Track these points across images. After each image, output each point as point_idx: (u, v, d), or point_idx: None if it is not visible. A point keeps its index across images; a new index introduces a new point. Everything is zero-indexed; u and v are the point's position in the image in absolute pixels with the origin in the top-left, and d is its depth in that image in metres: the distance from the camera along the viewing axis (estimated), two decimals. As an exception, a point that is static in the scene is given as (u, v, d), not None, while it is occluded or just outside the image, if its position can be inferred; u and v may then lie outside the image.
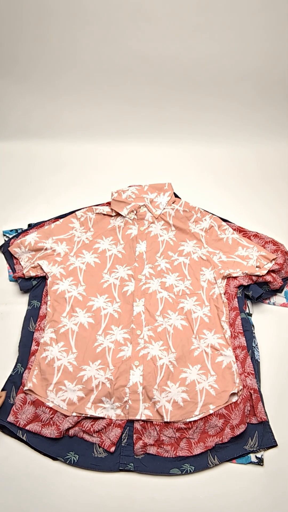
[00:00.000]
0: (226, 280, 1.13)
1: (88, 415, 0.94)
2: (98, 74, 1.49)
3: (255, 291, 1.12)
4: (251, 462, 0.91)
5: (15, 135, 1.58)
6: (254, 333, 1.07)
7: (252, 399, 0.95)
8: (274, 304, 1.16)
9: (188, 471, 0.90)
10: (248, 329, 1.06)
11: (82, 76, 1.49)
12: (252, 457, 0.92)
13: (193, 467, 0.90)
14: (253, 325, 1.09)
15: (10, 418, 0.94)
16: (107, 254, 1.18)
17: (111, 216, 1.25)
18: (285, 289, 1.17)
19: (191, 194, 1.35)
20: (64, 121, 1.58)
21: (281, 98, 1.53)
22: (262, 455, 0.92)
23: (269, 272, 1.12)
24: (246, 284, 1.12)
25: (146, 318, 1.06)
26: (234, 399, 0.95)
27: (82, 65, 1.47)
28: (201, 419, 0.94)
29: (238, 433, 0.91)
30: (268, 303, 1.16)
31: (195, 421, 0.93)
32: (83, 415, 0.94)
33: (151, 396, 0.95)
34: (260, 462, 0.91)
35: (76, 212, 1.24)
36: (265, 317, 1.13)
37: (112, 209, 1.24)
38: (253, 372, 0.99)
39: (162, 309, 1.08)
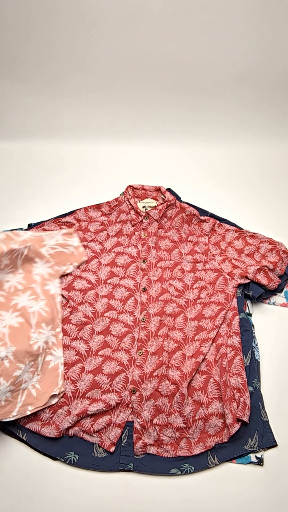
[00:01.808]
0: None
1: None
2: (98, 74, 1.49)
3: (255, 290, 1.12)
4: (251, 462, 0.91)
5: (15, 135, 1.58)
6: (254, 333, 1.07)
7: (235, 399, 0.95)
8: (274, 304, 1.16)
9: (188, 471, 0.90)
10: (248, 329, 1.06)
11: (82, 77, 1.49)
12: (252, 457, 0.92)
13: (193, 467, 0.90)
14: (253, 325, 1.09)
15: None
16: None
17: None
18: (285, 289, 1.17)
19: (191, 194, 1.35)
20: (64, 121, 1.58)
21: (281, 99, 1.53)
22: (262, 455, 0.92)
23: (265, 271, 1.12)
24: (243, 282, 1.12)
25: None
26: (54, 401, 0.95)
27: (82, 66, 1.47)
28: (200, 418, 0.94)
29: (233, 432, 0.91)
30: (268, 303, 1.16)
31: (194, 421, 0.93)
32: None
33: None
34: (260, 462, 0.91)
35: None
36: (265, 317, 1.13)
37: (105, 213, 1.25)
38: (238, 372, 0.98)
39: None
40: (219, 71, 1.46)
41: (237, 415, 0.91)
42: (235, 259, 1.16)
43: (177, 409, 0.94)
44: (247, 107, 1.55)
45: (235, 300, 1.10)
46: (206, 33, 1.38)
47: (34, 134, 1.58)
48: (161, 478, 0.90)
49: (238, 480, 0.90)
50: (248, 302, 1.14)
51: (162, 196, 1.26)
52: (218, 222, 1.23)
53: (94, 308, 1.09)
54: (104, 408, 0.94)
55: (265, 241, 1.19)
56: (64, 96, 1.54)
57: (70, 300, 1.09)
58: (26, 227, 1.29)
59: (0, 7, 1.34)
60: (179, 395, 0.95)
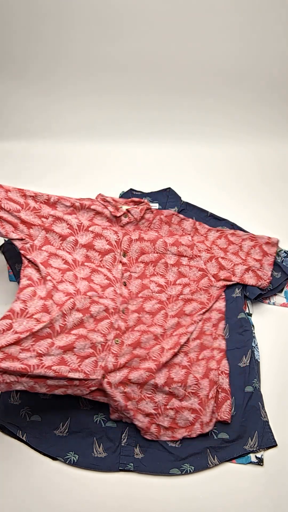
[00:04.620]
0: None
1: None
2: (99, 74, 1.49)
3: (251, 292, 1.11)
4: (251, 462, 0.91)
5: (16, 135, 1.58)
6: (254, 333, 1.07)
7: (217, 398, 0.95)
8: (274, 304, 1.16)
9: (188, 471, 0.90)
10: (248, 329, 1.06)
11: (83, 77, 1.50)
12: (252, 457, 0.92)
13: (192, 467, 0.90)
14: (253, 325, 1.09)
15: None
16: None
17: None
18: (285, 289, 1.17)
19: (191, 194, 1.35)
20: (65, 121, 1.59)
21: (279, 99, 1.53)
22: (262, 455, 0.92)
23: (253, 270, 1.12)
24: (229, 284, 1.11)
25: None
26: None
27: (83, 66, 1.47)
28: (172, 408, 0.94)
29: (206, 431, 0.92)
30: (268, 303, 1.16)
31: (166, 409, 0.94)
32: None
33: None
34: (260, 462, 0.91)
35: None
36: (265, 317, 1.13)
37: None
38: (227, 373, 0.99)
39: None
40: (219, 71, 1.47)
41: (223, 418, 0.93)
42: (221, 258, 1.14)
43: (147, 395, 0.93)
44: (247, 107, 1.55)
45: (224, 303, 1.10)
46: (205, 34, 1.38)
47: (35, 135, 1.59)
48: (161, 478, 0.90)
49: (237, 480, 0.90)
50: (248, 302, 1.14)
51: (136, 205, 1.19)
52: (197, 222, 1.21)
53: (76, 287, 1.01)
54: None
55: (246, 238, 1.18)
56: (65, 97, 1.54)
57: (49, 277, 0.99)
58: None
59: (4, 11, 1.35)
60: (153, 383, 0.94)
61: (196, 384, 0.96)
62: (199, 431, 0.92)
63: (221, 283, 1.11)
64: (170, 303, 1.08)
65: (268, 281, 1.12)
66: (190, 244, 1.15)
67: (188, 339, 1.02)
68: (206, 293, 1.10)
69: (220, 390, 0.96)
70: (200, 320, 1.06)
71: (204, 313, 1.07)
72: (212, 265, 1.14)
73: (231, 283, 1.11)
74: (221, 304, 1.10)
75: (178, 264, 1.13)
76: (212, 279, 1.12)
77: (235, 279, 1.11)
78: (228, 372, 0.99)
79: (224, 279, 1.11)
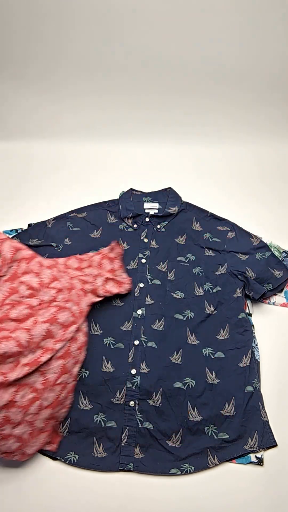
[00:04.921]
0: None
1: None
2: (99, 74, 1.49)
3: (255, 292, 1.11)
4: (251, 462, 0.91)
5: (15, 135, 1.58)
6: (254, 333, 1.07)
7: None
8: (274, 304, 1.16)
9: (188, 471, 0.90)
10: (248, 329, 1.06)
11: (83, 77, 1.50)
12: (252, 457, 0.92)
13: (192, 467, 0.90)
14: (253, 325, 1.09)
15: None
16: None
17: None
18: (285, 289, 1.17)
19: (191, 194, 1.35)
20: (65, 121, 1.59)
21: (279, 99, 1.53)
22: (262, 455, 0.92)
23: (112, 279, 1.09)
24: (96, 300, 1.06)
25: None
26: None
27: (82, 66, 1.47)
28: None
29: (24, 460, 0.89)
30: (268, 303, 1.16)
31: None
32: None
33: None
34: (260, 462, 0.91)
35: None
36: (265, 317, 1.13)
37: None
38: (69, 406, 0.94)
39: None
40: (219, 71, 1.47)
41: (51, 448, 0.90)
42: (82, 275, 1.09)
43: None
44: (247, 107, 1.55)
45: (86, 327, 1.01)
46: (205, 34, 1.38)
47: (35, 135, 1.59)
48: (161, 478, 0.90)
49: (237, 480, 0.90)
50: (248, 302, 1.14)
51: None
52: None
53: None
54: None
55: (93, 255, 1.15)
56: (65, 96, 1.54)
57: None
58: (26, 227, 1.29)
59: (4, 11, 1.35)
60: None
61: (36, 414, 0.87)
62: (16, 458, 0.87)
63: (89, 298, 1.05)
64: (41, 309, 0.93)
65: (129, 283, 1.10)
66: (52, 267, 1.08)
67: (52, 357, 0.89)
68: (77, 305, 1.01)
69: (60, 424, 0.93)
70: (70, 339, 0.93)
71: (76, 330, 0.95)
72: (76, 282, 1.07)
73: (99, 299, 1.06)
74: (86, 327, 1.02)
75: (52, 267, 1.04)
76: (80, 292, 1.04)
77: (101, 293, 1.06)
78: (69, 406, 0.94)
79: (91, 292, 1.06)
